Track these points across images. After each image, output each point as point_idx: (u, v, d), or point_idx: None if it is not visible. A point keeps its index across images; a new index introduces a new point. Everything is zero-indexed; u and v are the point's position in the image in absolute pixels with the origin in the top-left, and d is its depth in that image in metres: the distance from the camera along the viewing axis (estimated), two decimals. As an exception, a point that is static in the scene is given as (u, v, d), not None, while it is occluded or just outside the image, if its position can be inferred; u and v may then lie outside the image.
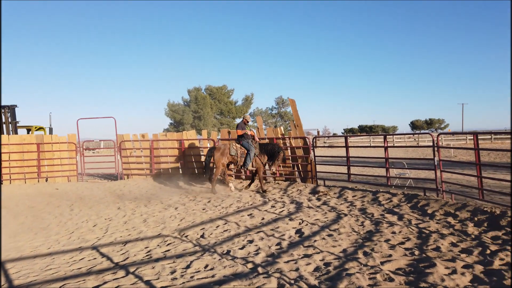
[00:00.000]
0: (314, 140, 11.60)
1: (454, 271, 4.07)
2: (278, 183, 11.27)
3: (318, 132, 55.09)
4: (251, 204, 8.62)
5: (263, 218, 7.18)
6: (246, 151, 10.53)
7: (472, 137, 7.65)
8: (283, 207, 8.08)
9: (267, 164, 10.67)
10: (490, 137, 37.31)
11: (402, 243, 5.19)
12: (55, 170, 13.97)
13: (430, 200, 7.39)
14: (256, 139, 10.83)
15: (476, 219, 6.02)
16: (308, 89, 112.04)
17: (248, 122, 11.08)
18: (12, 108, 15.70)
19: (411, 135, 46.20)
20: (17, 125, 16.03)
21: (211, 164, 11.01)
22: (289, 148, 11.86)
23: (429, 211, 6.82)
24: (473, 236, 5.29)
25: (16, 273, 4.88)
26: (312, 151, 11.24)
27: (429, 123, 66.77)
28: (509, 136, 38.65)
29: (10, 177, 13.53)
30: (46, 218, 8.31)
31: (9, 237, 6.77)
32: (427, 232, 5.63)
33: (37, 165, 13.75)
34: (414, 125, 68.06)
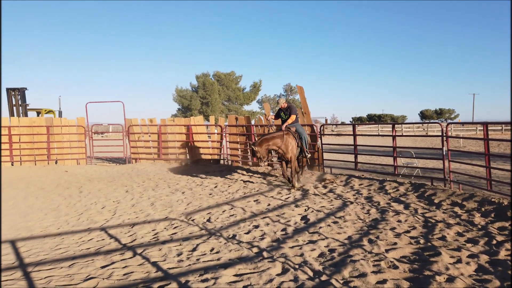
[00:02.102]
0: (321, 128, 11.56)
1: (459, 260, 4.08)
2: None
3: (326, 120, 54.83)
4: (257, 190, 8.67)
5: (269, 204, 7.22)
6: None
7: (482, 128, 7.57)
8: (289, 194, 8.11)
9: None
10: (500, 127, 36.88)
11: (408, 231, 5.19)
12: (64, 153, 14.15)
13: (437, 189, 7.36)
14: (283, 127, 9.01)
15: (483, 209, 5.99)
16: (316, 76, 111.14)
17: (283, 107, 9.17)
18: (22, 91, 15.84)
19: (420, 125, 45.76)
20: (27, 107, 16.18)
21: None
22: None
23: (436, 201, 6.80)
24: (479, 227, 5.27)
25: (26, 251, 4.99)
26: (319, 138, 11.21)
27: (439, 113, 65.88)
28: (520, 128, 38.10)
29: (20, 159, 13.74)
30: (55, 199, 8.45)
31: (20, 217, 6.91)
32: (433, 221, 5.62)
33: (47, 147, 13.93)
34: (423, 115, 67.26)
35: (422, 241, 4.77)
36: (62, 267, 4.31)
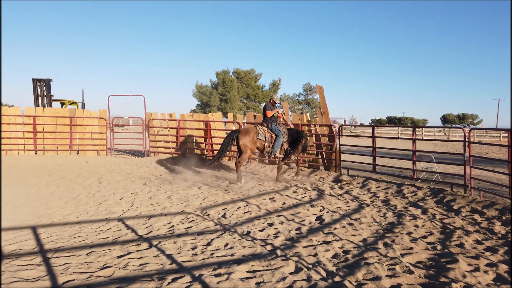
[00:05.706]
0: (340, 129, 11.46)
1: (477, 269, 3.99)
2: (301, 170, 11.25)
3: (344, 121, 54.30)
4: (272, 188, 8.67)
5: (284, 203, 7.22)
6: (274, 136, 9.56)
7: (506, 134, 7.34)
8: (304, 193, 8.08)
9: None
10: (526, 135, 35.68)
11: (425, 237, 5.11)
12: (86, 144, 14.47)
13: (457, 196, 7.21)
14: (282, 121, 9.98)
15: (504, 218, 5.84)
16: (337, 77, 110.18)
17: (275, 103, 9.83)
18: (47, 82, 16.26)
19: (442, 129, 44.78)
20: (52, 98, 16.60)
21: (231, 148, 10.30)
22: (314, 135, 11.78)
23: (455, 207, 6.66)
24: (499, 235, 5.15)
25: (47, 238, 5.14)
26: (337, 139, 11.12)
27: (462, 118, 64.38)
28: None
29: (44, 148, 14.12)
30: (76, 188, 8.66)
31: (42, 204, 7.11)
32: (451, 227, 5.52)
33: (69, 138, 14.27)
34: (445, 119, 65.79)
35: (439, 247, 4.68)
36: (80, 255, 4.42)
